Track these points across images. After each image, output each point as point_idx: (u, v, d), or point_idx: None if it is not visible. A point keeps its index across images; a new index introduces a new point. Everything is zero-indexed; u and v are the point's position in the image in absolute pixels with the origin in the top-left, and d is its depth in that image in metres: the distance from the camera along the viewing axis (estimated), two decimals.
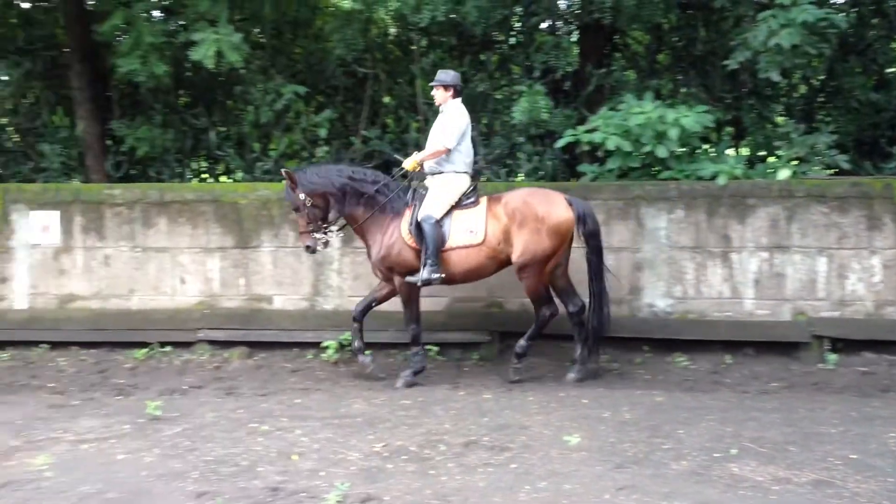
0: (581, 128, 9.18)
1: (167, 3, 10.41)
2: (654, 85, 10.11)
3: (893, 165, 9.56)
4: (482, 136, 10.35)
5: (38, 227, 9.36)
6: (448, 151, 7.63)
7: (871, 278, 8.50)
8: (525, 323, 7.99)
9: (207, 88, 11.03)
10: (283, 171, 7.87)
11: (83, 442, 6.07)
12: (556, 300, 7.79)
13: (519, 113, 9.27)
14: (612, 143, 8.73)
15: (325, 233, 7.82)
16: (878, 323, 8.45)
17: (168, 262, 9.30)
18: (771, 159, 9.75)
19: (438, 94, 7.82)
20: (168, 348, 8.98)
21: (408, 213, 7.65)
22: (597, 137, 8.86)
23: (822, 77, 10.69)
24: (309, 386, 7.81)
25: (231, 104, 11.02)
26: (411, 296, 7.76)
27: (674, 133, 8.60)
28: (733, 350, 8.50)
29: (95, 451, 5.87)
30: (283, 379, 8.10)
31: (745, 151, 10.38)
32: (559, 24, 10.88)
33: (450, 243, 7.54)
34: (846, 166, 9.25)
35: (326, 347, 8.60)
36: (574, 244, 7.82)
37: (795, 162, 9.17)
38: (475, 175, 7.99)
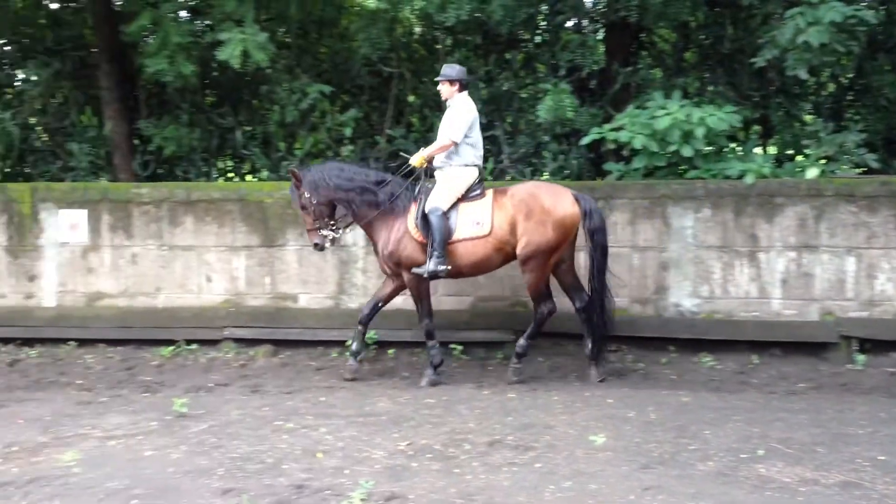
0: (607, 126, 9.14)
1: (194, 3, 10.49)
2: (680, 83, 10.05)
3: None
4: (507, 135, 10.33)
5: (66, 225, 9.45)
6: (455, 145, 7.63)
7: None
8: (550, 323, 7.98)
9: (234, 88, 11.10)
10: (288, 170, 7.90)
11: (111, 438, 6.12)
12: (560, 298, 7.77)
13: (544, 111, 9.24)
14: (638, 143, 8.69)
15: (333, 230, 7.84)
16: None
17: (194, 260, 9.36)
18: (799, 158, 9.66)
19: (444, 89, 7.81)
20: (194, 346, 9.03)
21: (414, 208, 7.66)
22: (623, 136, 8.83)
23: (850, 75, 10.59)
24: (333, 384, 7.83)
25: (257, 103, 11.08)
26: (421, 291, 7.76)
27: (699, 132, 8.55)
28: (760, 350, 8.43)
29: (123, 448, 5.91)
30: (308, 377, 8.13)
31: (772, 150, 10.30)
32: (585, 22, 10.84)
33: (456, 235, 7.54)
34: (875, 165, 9.16)
35: (349, 346, 8.61)
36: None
37: (824, 161, 9.07)
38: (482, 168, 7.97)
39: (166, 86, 10.06)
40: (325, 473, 5.33)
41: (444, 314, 8.86)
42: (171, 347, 8.99)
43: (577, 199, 7.60)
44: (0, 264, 9.55)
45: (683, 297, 8.70)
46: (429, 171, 7.88)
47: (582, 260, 8.06)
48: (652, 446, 5.80)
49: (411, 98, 10.92)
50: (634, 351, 8.56)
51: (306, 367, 8.43)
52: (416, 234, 7.58)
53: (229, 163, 11.38)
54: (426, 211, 7.50)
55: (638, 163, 8.94)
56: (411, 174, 7.89)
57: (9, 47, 11.66)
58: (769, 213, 8.56)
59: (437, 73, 10.22)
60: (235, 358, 8.80)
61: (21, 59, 11.44)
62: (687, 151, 8.66)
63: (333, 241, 7.93)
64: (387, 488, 5.04)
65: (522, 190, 7.68)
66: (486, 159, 10.05)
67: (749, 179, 8.52)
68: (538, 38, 11.05)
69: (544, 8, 10.53)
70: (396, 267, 7.75)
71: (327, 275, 9.18)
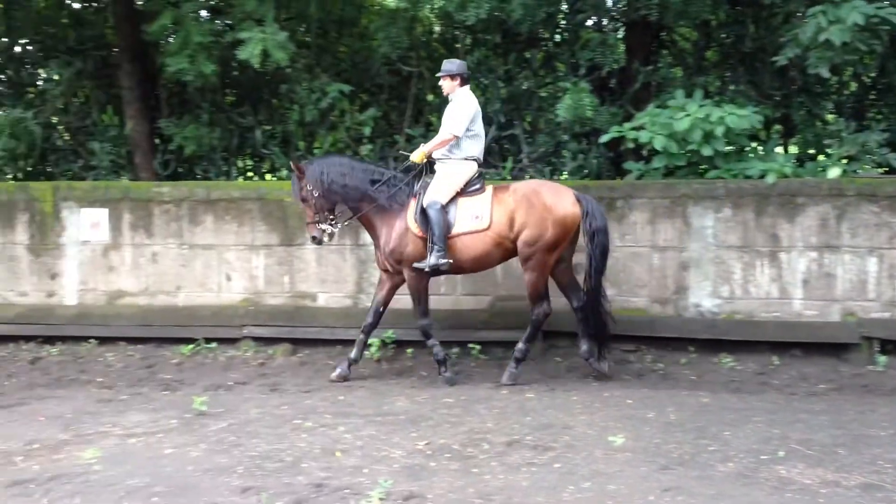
0: (627, 124, 9.11)
1: (214, 2, 10.53)
2: (701, 82, 9.99)
3: None
4: (526, 134, 10.31)
5: (87, 224, 9.52)
6: (456, 139, 7.63)
7: None
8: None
9: (254, 87, 11.14)
10: (290, 162, 7.92)
11: (131, 436, 6.16)
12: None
13: (563, 110, 9.21)
14: (658, 144, 8.65)
15: (332, 224, 7.84)
16: None
17: (214, 259, 9.40)
18: (821, 157, 9.59)
19: (446, 84, 7.80)
20: (213, 344, 9.07)
21: (413, 203, 7.65)
22: (643, 137, 8.80)
23: (873, 74, 10.49)
24: (352, 383, 7.84)
25: (277, 103, 11.11)
26: (420, 288, 7.73)
27: (719, 131, 8.50)
28: (781, 351, 8.37)
29: (143, 446, 5.95)
30: (327, 376, 8.12)
31: (794, 149, 10.21)
32: (605, 20, 10.81)
33: (456, 230, 7.52)
34: None
35: (369, 345, 8.61)
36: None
37: (846, 160, 9.01)
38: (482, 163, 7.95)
39: (187, 85, 10.10)
40: (344, 472, 5.34)
41: (463, 314, 8.89)
42: (191, 346, 9.03)
43: (578, 200, 7.58)
44: (22, 262, 9.63)
45: (703, 298, 8.66)
46: (430, 165, 7.86)
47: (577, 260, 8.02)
48: (671, 447, 5.78)
49: (430, 97, 10.91)
50: (654, 351, 8.53)
51: (325, 365, 8.44)
52: (417, 229, 7.57)
53: (249, 162, 11.42)
54: (424, 205, 7.49)
55: (658, 162, 8.90)
56: (410, 170, 7.88)
57: (31, 47, 11.75)
58: (790, 212, 8.50)
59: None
60: (254, 356, 8.83)
61: (43, 59, 11.53)
62: (707, 151, 8.62)
63: (331, 235, 7.92)
64: (405, 487, 5.05)
65: (525, 186, 7.69)
66: (504, 158, 10.11)
67: (770, 179, 8.47)
68: (558, 37, 11.02)
69: (564, 6, 10.50)
70: (397, 264, 7.72)
71: (346, 274, 9.19)
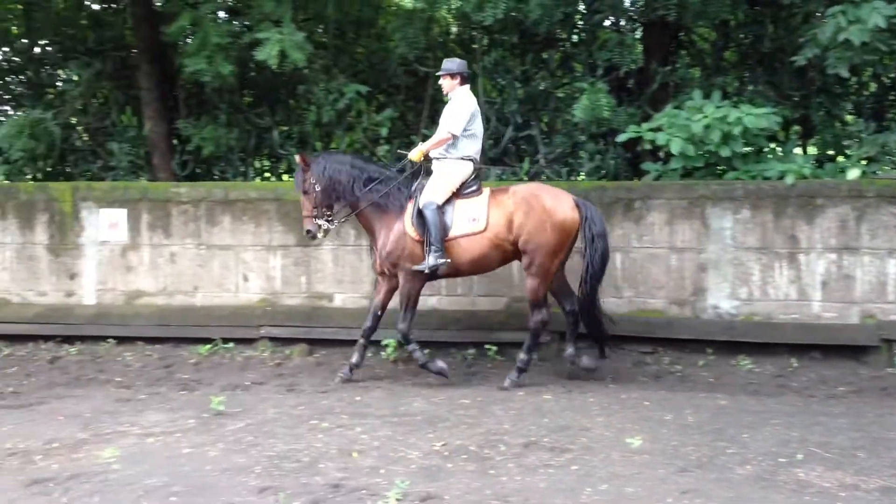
0: (645, 125, 9.07)
1: (232, 4, 10.57)
2: (720, 82, 9.95)
3: None
4: (543, 135, 10.30)
5: (106, 224, 9.58)
6: (454, 138, 7.61)
7: None
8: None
9: (271, 88, 11.18)
10: (297, 154, 7.94)
11: (149, 435, 6.18)
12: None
13: (580, 111, 9.20)
14: (675, 148, 8.61)
15: (328, 221, 7.83)
16: None
17: (232, 259, 9.43)
18: (840, 158, 9.54)
19: (446, 83, 7.80)
20: (230, 344, 9.10)
21: (410, 206, 7.62)
22: (660, 139, 8.76)
23: (893, 74, 10.42)
24: (368, 384, 7.84)
25: (294, 103, 11.15)
26: (413, 293, 7.68)
27: (737, 131, 8.46)
28: (799, 353, 8.32)
29: (161, 445, 5.97)
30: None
31: (813, 150, 10.15)
32: (623, 20, 10.78)
33: (453, 232, 7.49)
34: None
35: (386, 345, 8.63)
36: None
37: (865, 161, 8.95)
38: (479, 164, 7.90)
39: (205, 86, 10.15)
40: (361, 473, 5.35)
41: (479, 315, 8.89)
42: (209, 346, 9.06)
43: (577, 205, 7.55)
44: (41, 262, 9.69)
45: (722, 299, 8.61)
46: (429, 168, 7.86)
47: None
48: (689, 449, 5.75)
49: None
50: (671, 353, 8.49)
51: (341, 366, 8.41)
52: (414, 233, 7.53)
53: (266, 162, 11.48)
54: (421, 206, 7.46)
55: (676, 163, 8.87)
56: (411, 169, 7.86)
57: (51, 48, 11.86)
58: (809, 214, 8.44)
59: (474, 73, 10.31)
60: (271, 357, 8.85)
61: (63, 60, 11.64)
62: (725, 152, 8.58)
63: (326, 231, 7.91)
64: (422, 488, 5.05)
65: (524, 189, 7.65)
66: (521, 159, 10.10)
67: (789, 180, 8.42)
68: (575, 37, 11.00)
69: (582, 7, 10.47)
70: (393, 267, 7.69)
71: (362, 274, 9.20)
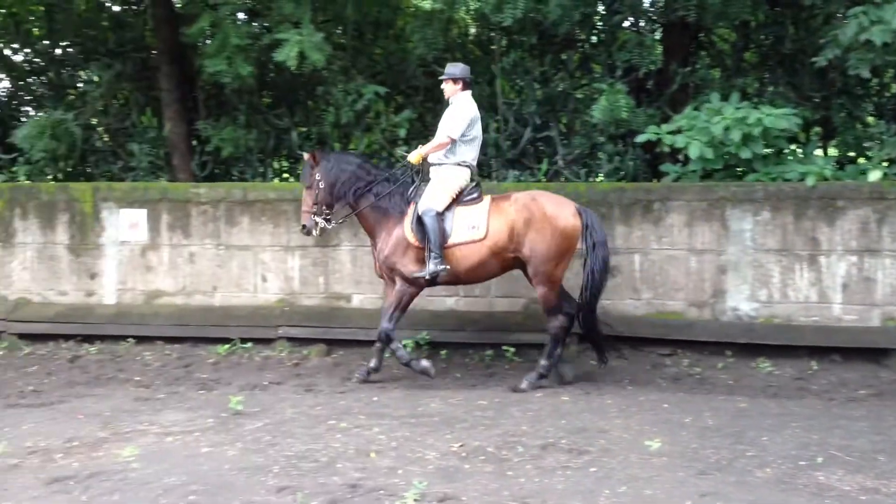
0: (664, 127, 9.04)
1: (252, 5, 10.61)
2: (740, 84, 9.90)
3: None
4: (562, 136, 10.28)
5: (126, 224, 9.63)
6: (453, 142, 7.58)
7: None
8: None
9: (290, 89, 11.21)
10: (306, 152, 7.95)
11: (168, 435, 6.21)
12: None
13: (598, 112, 9.16)
14: (694, 152, 8.57)
15: (326, 219, 7.83)
16: None
17: (250, 259, 9.46)
18: (861, 160, 9.47)
19: (447, 88, 7.78)
20: (249, 344, 9.13)
21: (410, 211, 7.60)
22: (679, 141, 8.72)
23: None
24: (386, 384, 7.85)
25: (312, 104, 11.17)
26: (405, 299, 7.63)
27: (756, 132, 8.42)
28: (819, 356, 8.27)
29: (180, 444, 5.99)
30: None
31: (833, 152, 10.08)
32: (642, 21, 10.74)
33: (452, 240, 7.46)
34: None
35: (404, 346, 8.62)
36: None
37: (886, 163, 8.88)
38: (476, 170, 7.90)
39: (224, 87, 10.18)
40: (379, 473, 5.35)
41: (497, 316, 8.88)
42: (227, 346, 9.10)
43: (578, 212, 7.53)
44: (62, 262, 9.76)
45: (741, 301, 8.57)
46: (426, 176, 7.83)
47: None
48: (709, 452, 5.72)
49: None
50: (691, 355, 8.45)
51: (359, 366, 8.43)
52: (413, 239, 7.50)
53: (285, 163, 11.50)
54: (420, 212, 7.44)
55: (695, 165, 8.82)
56: (408, 171, 7.85)
57: (72, 49, 11.93)
58: (830, 216, 8.39)
59: (492, 74, 10.31)
60: (289, 357, 8.87)
61: (84, 61, 11.70)
62: (745, 154, 8.53)
63: (322, 230, 7.90)
64: (440, 489, 5.04)
65: (525, 196, 7.61)
66: (540, 160, 10.08)
67: (810, 182, 8.37)
68: (594, 38, 10.98)
69: (601, 7, 10.44)
70: (391, 272, 7.67)
71: None
